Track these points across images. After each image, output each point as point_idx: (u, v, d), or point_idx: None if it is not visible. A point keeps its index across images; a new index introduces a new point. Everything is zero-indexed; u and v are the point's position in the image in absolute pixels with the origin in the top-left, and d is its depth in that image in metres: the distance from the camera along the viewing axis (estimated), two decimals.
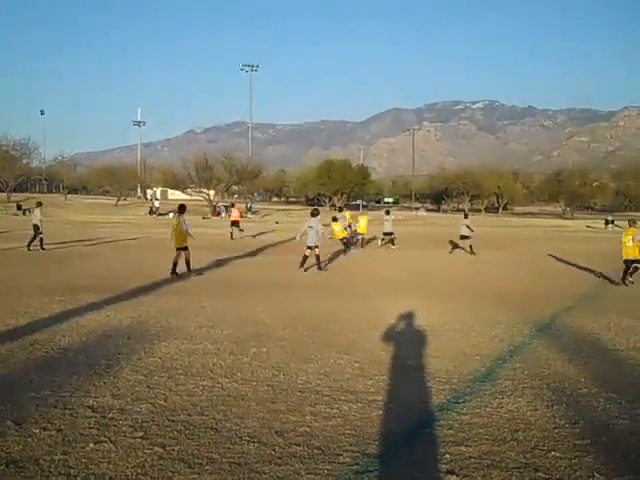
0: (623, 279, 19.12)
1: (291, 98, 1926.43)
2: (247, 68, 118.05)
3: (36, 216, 29.13)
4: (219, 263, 23.20)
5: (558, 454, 5.95)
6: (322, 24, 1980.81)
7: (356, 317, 12.78)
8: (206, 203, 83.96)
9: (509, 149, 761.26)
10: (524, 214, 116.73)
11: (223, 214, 76.10)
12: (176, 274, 19.39)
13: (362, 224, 33.79)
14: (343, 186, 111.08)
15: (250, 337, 10.80)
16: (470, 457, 5.88)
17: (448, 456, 5.90)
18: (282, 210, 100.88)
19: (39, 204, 30.66)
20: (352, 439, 6.26)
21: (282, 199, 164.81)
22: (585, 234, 49.91)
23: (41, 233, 28.60)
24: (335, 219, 30.56)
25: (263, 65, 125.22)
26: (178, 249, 19.96)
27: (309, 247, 21.96)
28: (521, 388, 8.01)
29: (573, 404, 7.41)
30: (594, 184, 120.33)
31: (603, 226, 62.32)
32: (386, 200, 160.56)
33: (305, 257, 21.87)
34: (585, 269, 23.04)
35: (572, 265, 24.96)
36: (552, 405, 7.35)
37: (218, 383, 8.05)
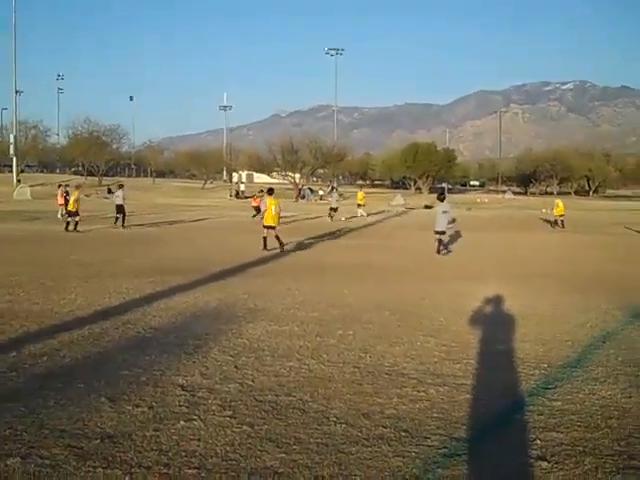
0: None
1: (376, 81, 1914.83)
2: (332, 52, 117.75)
3: (119, 197, 30.17)
4: (304, 245, 23.33)
5: None
6: (407, 5, 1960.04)
7: (442, 301, 12.68)
8: (291, 186, 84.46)
9: (601, 130, 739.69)
10: (617, 197, 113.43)
11: (309, 197, 76.49)
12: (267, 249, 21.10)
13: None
14: (429, 169, 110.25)
15: (336, 319, 10.82)
16: (561, 443, 5.73)
17: (539, 442, 5.77)
18: (367, 193, 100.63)
19: (121, 186, 31.80)
20: (439, 422, 6.19)
21: (367, 182, 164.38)
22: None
23: (124, 213, 29.70)
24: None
25: (348, 48, 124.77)
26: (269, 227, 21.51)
27: (438, 232, 21.63)
28: (615, 375, 7.78)
29: None
30: None
31: None
32: (472, 183, 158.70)
33: (440, 242, 21.55)
34: None
35: None
36: None
37: (305, 364, 8.08)
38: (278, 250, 21.15)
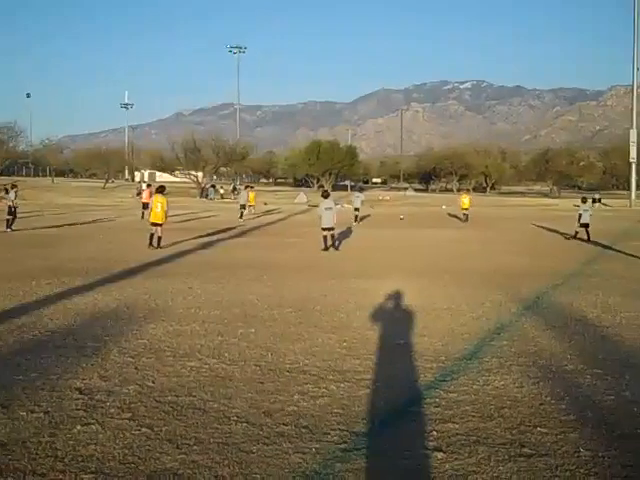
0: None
1: (278, 79, 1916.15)
2: (235, 49, 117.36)
3: (10, 198, 29.27)
4: (206, 244, 23.18)
5: (544, 430, 5.98)
6: (309, 4, 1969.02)
7: (344, 298, 12.79)
8: (195, 185, 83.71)
9: (497, 129, 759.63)
10: (512, 193, 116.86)
11: (212, 196, 75.94)
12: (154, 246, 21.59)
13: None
14: (331, 167, 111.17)
15: (238, 318, 10.80)
16: (457, 434, 5.90)
17: (435, 433, 5.93)
18: (271, 191, 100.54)
19: (14, 186, 30.80)
20: (340, 418, 6.27)
21: (270, 180, 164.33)
22: (572, 213, 50.03)
23: (15, 214, 28.93)
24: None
25: (250, 46, 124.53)
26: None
27: (325, 228, 22.01)
28: (508, 365, 8.05)
29: (559, 381, 7.46)
30: (581, 163, 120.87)
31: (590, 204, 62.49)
32: (374, 181, 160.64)
33: (325, 238, 21.93)
34: (569, 236, 23.15)
35: (558, 243, 25.09)
36: (538, 382, 7.38)
37: (206, 364, 8.04)
38: (165, 247, 21.59)
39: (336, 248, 22.21)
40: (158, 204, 22.14)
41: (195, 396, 6.85)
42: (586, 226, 25.54)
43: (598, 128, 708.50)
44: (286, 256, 20.14)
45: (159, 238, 21.83)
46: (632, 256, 20.48)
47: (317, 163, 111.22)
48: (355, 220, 35.50)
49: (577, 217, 26.20)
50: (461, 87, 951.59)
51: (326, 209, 22.18)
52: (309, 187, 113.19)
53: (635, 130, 66.72)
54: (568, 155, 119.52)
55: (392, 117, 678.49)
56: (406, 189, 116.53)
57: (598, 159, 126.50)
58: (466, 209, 38.67)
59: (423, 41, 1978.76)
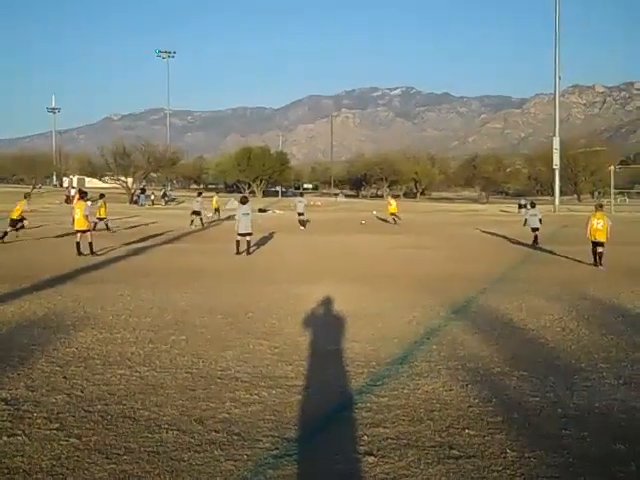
0: (595, 262, 19.51)
1: (209, 84, 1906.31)
2: (163, 54, 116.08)
3: None
4: (137, 251, 22.90)
5: (472, 432, 6.11)
6: (239, 10, 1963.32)
7: (275, 304, 12.80)
8: (124, 191, 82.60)
9: (426, 135, 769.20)
10: (441, 199, 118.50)
11: (143, 202, 74.99)
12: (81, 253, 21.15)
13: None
14: (262, 173, 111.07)
15: (169, 325, 10.72)
16: (387, 438, 5.98)
17: (366, 438, 5.99)
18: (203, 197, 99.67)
19: None
20: (271, 424, 6.29)
21: (201, 186, 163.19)
22: (499, 218, 50.99)
23: None
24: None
25: (179, 51, 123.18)
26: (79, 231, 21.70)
27: (241, 234, 22.21)
28: (437, 369, 8.18)
29: (487, 383, 7.62)
30: (508, 169, 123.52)
31: (516, 210, 63.64)
32: (305, 186, 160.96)
33: (238, 243, 22.14)
34: (505, 239, 23.61)
35: (488, 248, 25.55)
36: (467, 385, 7.53)
37: (136, 372, 7.97)
38: (98, 254, 21.33)
39: (249, 253, 22.28)
40: (77, 210, 21.97)
41: (125, 404, 6.77)
42: (536, 230, 26.52)
43: (523, 135, 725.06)
44: (219, 262, 20.01)
45: (90, 244, 21.43)
46: (561, 257, 21.06)
47: (248, 169, 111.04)
48: (301, 225, 36.42)
49: (523, 222, 27.44)
50: (391, 93, 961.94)
51: (243, 214, 22.39)
52: (241, 193, 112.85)
53: (558, 137, 68.40)
54: (495, 161, 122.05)
55: (323, 123, 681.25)
56: (337, 195, 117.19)
57: (523, 165, 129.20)
58: (394, 213, 40.34)
59: (353, 47, 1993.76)
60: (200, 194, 42.42)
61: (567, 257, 21.76)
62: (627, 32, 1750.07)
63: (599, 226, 19.39)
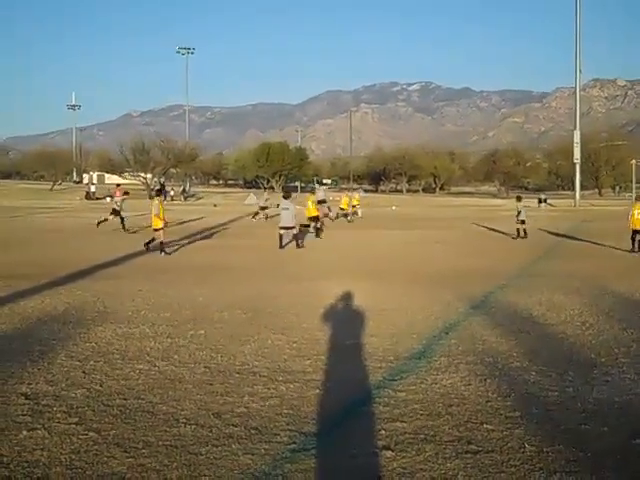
0: (633, 248, 21.18)
1: (228, 80, 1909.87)
2: (183, 51, 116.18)
3: None
4: (153, 247, 22.97)
5: (490, 427, 6.08)
6: (257, 6, 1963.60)
7: (294, 299, 12.82)
8: (144, 187, 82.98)
9: (446, 130, 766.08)
10: (460, 194, 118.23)
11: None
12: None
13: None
14: (281, 168, 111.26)
15: (187, 320, 10.75)
16: (405, 432, 5.97)
17: (384, 432, 5.98)
18: (220, 193, 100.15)
19: None
20: (289, 419, 6.29)
21: (220, 182, 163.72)
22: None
23: None
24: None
25: (199, 47, 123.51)
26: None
27: (283, 228, 22.70)
28: (455, 364, 8.15)
29: (505, 378, 7.58)
30: (527, 164, 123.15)
31: (536, 205, 63.41)
32: (324, 181, 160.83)
33: (280, 237, 22.54)
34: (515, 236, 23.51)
35: (505, 243, 25.45)
36: (485, 379, 7.50)
37: (155, 366, 8.00)
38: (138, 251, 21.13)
39: (298, 246, 22.71)
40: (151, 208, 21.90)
41: (144, 399, 6.80)
42: (523, 223, 27.22)
43: (543, 129, 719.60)
44: (239, 258, 20.06)
45: (160, 243, 21.19)
46: (581, 252, 20.98)
47: (267, 164, 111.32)
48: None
49: (516, 214, 27.85)
50: (409, 89, 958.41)
51: (284, 209, 22.87)
52: (260, 188, 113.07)
53: (579, 131, 68.01)
54: (515, 156, 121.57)
55: (342, 118, 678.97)
56: (356, 190, 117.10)
57: (543, 160, 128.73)
58: (343, 208, 40.83)
59: (372, 43, 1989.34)
60: (266, 190, 43.41)
61: (587, 251, 21.66)
62: None
63: (639, 216, 21.17)
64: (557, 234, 29.40)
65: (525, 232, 26.98)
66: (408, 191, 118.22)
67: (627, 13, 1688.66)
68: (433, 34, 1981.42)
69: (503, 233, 29.52)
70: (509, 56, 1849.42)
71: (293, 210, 23.14)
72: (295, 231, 22.97)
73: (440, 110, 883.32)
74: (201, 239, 26.73)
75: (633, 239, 21.31)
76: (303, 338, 9.55)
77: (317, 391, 7.14)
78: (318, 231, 27.54)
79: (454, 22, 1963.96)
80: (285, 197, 23.76)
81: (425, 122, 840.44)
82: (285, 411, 6.51)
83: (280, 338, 9.56)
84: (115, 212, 30.20)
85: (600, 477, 5.11)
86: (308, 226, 27.11)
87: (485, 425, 6.13)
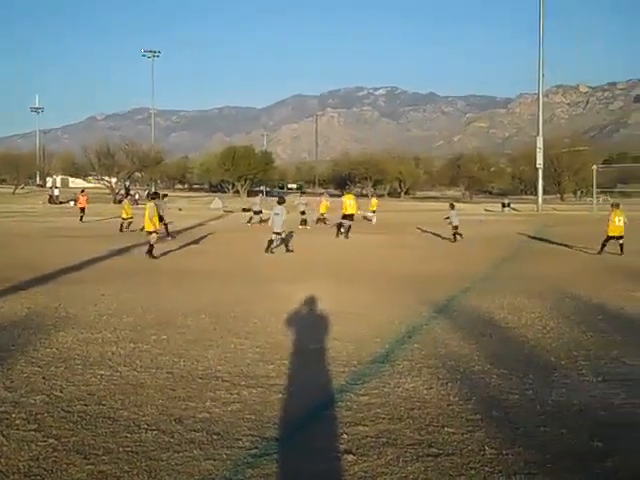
0: (600, 251, 22.00)
1: (194, 85, 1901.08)
2: (149, 54, 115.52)
3: None
4: (118, 252, 22.79)
5: (451, 430, 6.14)
6: (224, 9, 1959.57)
7: (259, 303, 12.79)
8: (108, 190, 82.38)
9: (411, 135, 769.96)
10: (425, 198, 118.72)
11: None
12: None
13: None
14: (247, 172, 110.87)
15: (151, 325, 10.69)
16: (367, 436, 5.99)
17: (346, 436, 6.01)
18: (185, 197, 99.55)
19: None
20: (251, 424, 6.29)
21: (185, 186, 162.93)
22: (482, 217, 51.13)
23: None
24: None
25: (166, 50, 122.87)
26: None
27: (274, 232, 22.96)
28: (418, 368, 8.21)
29: (467, 381, 7.66)
30: (492, 169, 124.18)
31: (500, 209, 63.99)
32: (290, 186, 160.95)
33: (270, 241, 22.78)
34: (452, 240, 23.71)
35: (470, 247, 25.63)
36: (447, 383, 7.57)
37: (117, 372, 7.94)
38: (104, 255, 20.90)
39: (288, 250, 23.08)
40: (145, 212, 21.73)
41: (105, 405, 6.75)
42: (456, 228, 28.51)
43: (507, 135, 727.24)
44: (206, 262, 19.96)
45: (150, 246, 21.09)
46: (543, 256, 21.21)
47: (232, 168, 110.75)
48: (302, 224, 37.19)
49: (449, 222, 29.23)
50: (376, 93, 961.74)
51: (274, 214, 23.21)
52: (225, 192, 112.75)
53: (541, 137, 68.83)
54: (479, 161, 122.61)
55: (307, 122, 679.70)
56: (321, 194, 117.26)
57: (507, 165, 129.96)
58: (374, 211, 42.49)
59: (338, 47, 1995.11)
60: (259, 195, 43.65)
61: (550, 255, 21.95)
62: (610, 32, 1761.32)
63: (620, 223, 22.03)
64: (523, 238, 29.71)
65: (456, 236, 28.34)
66: (372, 195, 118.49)
67: (589, 21, 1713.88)
68: (399, 39, 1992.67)
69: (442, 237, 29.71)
70: (474, 62, 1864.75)
71: (283, 216, 23.28)
72: (284, 235, 23.25)
73: (406, 115, 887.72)
74: (170, 243, 26.55)
75: (604, 244, 21.96)
76: (267, 343, 9.54)
77: (280, 396, 7.15)
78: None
79: (420, 28, 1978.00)
80: (279, 202, 23.93)
81: (391, 127, 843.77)
82: (247, 416, 6.50)
83: (244, 343, 9.54)
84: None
85: (559, 478, 5.18)
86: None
87: (446, 428, 6.18)
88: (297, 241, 27.27)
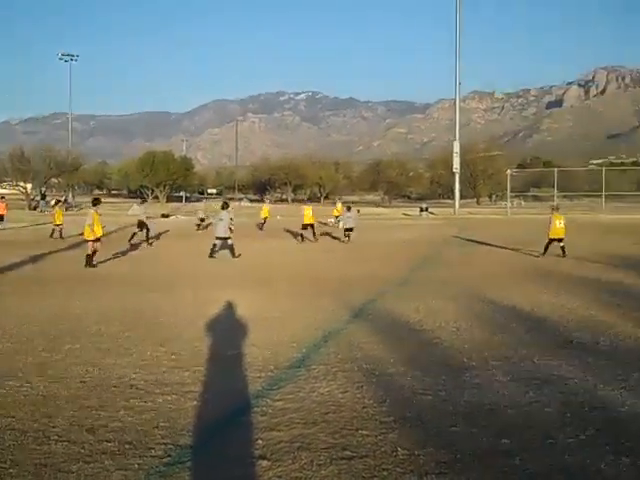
0: (543, 253, 22.39)
1: (113, 89, 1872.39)
2: (66, 57, 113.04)
3: None
4: (31, 259, 22.24)
5: (365, 432, 6.21)
6: (144, 14, 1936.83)
7: (178, 310, 12.67)
8: (23, 197, 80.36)
9: (332, 140, 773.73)
10: (345, 203, 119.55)
11: (43, 207, 72.90)
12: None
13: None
14: (166, 178, 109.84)
15: (64, 333, 10.47)
16: (281, 441, 6.01)
17: (260, 442, 6.01)
18: (104, 203, 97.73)
19: None
20: (165, 431, 6.24)
21: (104, 191, 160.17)
22: (400, 221, 51.80)
23: None
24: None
25: (84, 54, 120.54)
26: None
27: (218, 238, 23.12)
28: (334, 372, 8.26)
29: (382, 384, 7.74)
30: (410, 174, 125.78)
31: (418, 213, 64.76)
32: (210, 191, 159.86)
33: (214, 246, 22.97)
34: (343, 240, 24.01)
35: (390, 251, 25.91)
36: (362, 386, 7.64)
37: (27, 383, 7.75)
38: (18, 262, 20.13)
39: (233, 256, 22.87)
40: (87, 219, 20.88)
41: (14, 417, 6.59)
42: (350, 230, 30.01)
43: (426, 140, 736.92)
44: (125, 269, 19.67)
45: (89, 254, 20.21)
46: (459, 260, 21.60)
47: (151, 174, 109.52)
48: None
49: (340, 224, 30.41)
50: (297, 98, 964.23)
51: (219, 220, 23.53)
52: (144, 198, 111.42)
53: (458, 142, 70.01)
54: (398, 166, 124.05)
55: (229, 127, 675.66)
56: (241, 199, 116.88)
57: (426, 169, 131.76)
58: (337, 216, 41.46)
59: (258, 52, 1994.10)
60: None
61: (466, 258, 22.38)
62: (524, 40, 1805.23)
63: (561, 225, 22.59)
64: (440, 241, 30.16)
65: (349, 238, 29.81)
66: (294, 201, 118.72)
67: (504, 28, 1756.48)
68: (319, 45, 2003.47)
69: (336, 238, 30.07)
70: (394, 68, 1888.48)
71: (227, 221, 23.44)
72: (230, 241, 23.28)
73: (326, 120, 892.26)
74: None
75: (547, 247, 22.48)
76: (183, 349, 9.47)
77: (195, 403, 7.10)
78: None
79: (340, 32, 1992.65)
80: (223, 208, 24.24)
81: (312, 131, 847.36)
82: (161, 424, 6.44)
83: (159, 350, 9.44)
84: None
85: (469, 477, 5.29)
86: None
87: (360, 431, 6.24)
88: (209, 246, 27.14)
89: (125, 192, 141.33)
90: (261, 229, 39.07)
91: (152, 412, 6.78)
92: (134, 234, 28.83)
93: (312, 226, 30.85)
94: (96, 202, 21.45)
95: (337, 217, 29.60)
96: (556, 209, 23.72)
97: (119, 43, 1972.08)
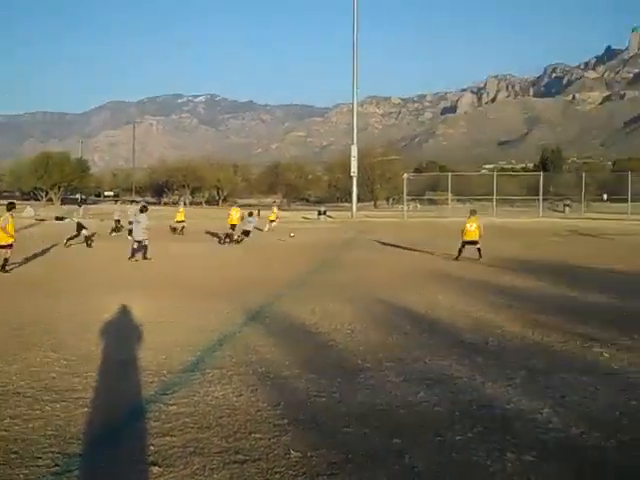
0: (457, 257, 22.93)
1: (3, 87, 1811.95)
2: None
3: None
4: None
5: (258, 435, 6.21)
6: (40, 8, 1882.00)
7: (70, 315, 12.34)
8: None
9: (230, 142, 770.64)
10: (244, 205, 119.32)
11: None
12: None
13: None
14: (61, 180, 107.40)
15: None
16: (174, 446, 5.95)
17: (152, 448, 5.93)
18: None
19: None
20: (53, 440, 6.07)
21: None
22: (299, 225, 52.01)
23: None
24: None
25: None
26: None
27: (136, 241, 23.40)
28: (229, 375, 8.23)
29: (276, 387, 7.76)
30: (309, 177, 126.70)
31: (316, 217, 65.09)
32: (106, 194, 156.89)
33: (133, 249, 23.11)
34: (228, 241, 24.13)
35: (288, 254, 26.00)
36: (256, 389, 7.64)
37: None
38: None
39: (144, 258, 22.94)
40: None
41: None
42: (246, 233, 31.78)
43: (325, 143, 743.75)
44: (23, 272, 19.04)
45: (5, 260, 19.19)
46: (355, 262, 21.86)
47: (46, 176, 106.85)
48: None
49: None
50: (195, 100, 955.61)
51: (136, 222, 24.16)
52: (38, 200, 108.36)
53: (356, 146, 70.76)
54: (297, 169, 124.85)
55: (126, 129, 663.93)
56: (138, 202, 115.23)
57: (324, 173, 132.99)
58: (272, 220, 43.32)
59: (157, 53, 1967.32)
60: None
61: (362, 262, 22.65)
62: (420, 46, 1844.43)
63: (472, 228, 23.10)
64: (338, 245, 30.44)
65: (241, 239, 31.35)
66: (192, 203, 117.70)
67: (401, 33, 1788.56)
68: (217, 49, 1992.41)
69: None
70: (293, 72, 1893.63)
71: (145, 224, 23.69)
72: (146, 243, 23.34)
73: (225, 122, 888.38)
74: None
75: (461, 249, 23.03)
76: (75, 355, 9.24)
77: (85, 409, 6.94)
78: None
79: (239, 35, 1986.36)
80: (141, 211, 24.63)
81: (210, 134, 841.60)
82: (49, 432, 6.27)
83: (50, 356, 9.19)
84: None
85: (360, 477, 5.36)
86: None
87: (253, 434, 6.24)
88: (107, 248, 26.68)
89: (18, 194, 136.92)
90: (176, 233, 37.80)
91: (40, 420, 6.59)
92: (73, 237, 28.28)
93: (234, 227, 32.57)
94: (11, 206, 20.30)
95: (271, 222, 30.37)
96: (473, 212, 24.40)
97: (12, 40, 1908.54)
